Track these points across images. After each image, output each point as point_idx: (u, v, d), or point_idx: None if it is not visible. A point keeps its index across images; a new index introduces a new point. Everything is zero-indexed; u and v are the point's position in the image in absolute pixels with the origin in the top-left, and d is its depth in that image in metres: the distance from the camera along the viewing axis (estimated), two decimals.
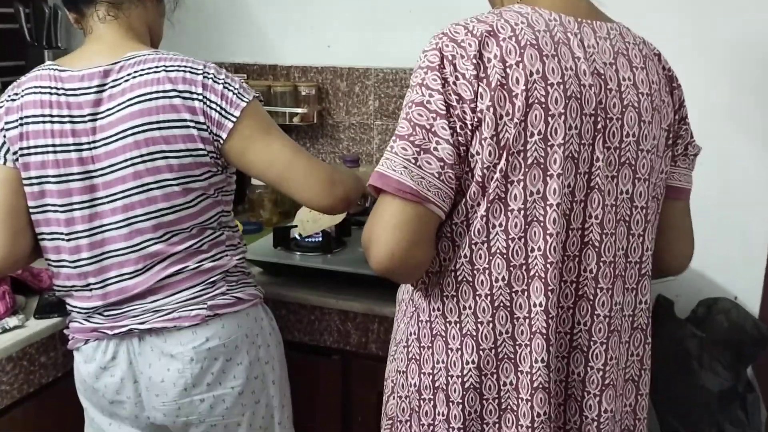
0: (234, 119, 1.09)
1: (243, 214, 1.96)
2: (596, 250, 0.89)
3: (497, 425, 0.92)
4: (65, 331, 1.25)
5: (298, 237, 1.59)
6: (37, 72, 1.15)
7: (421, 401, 0.96)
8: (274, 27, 2.02)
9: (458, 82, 0.83)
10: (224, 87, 1.09)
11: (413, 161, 0.83)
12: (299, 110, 1.93)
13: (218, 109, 1.08)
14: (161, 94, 1.07)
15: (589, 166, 0.88)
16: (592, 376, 0.93)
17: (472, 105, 0.83)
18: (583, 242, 0.89)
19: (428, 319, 0.94)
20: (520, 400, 0.90)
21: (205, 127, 1.09)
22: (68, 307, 1.21)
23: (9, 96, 1.15)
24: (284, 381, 1.29)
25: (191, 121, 1.08)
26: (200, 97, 1.08)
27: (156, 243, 1.13)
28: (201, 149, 1.10)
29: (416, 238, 0.85)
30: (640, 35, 0.98)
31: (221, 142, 1.10)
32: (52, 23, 2.03)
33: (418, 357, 0.96)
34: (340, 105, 1.99)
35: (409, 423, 0.98)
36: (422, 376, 0.95)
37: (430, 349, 0.94)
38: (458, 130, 0.84)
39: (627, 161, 0.91)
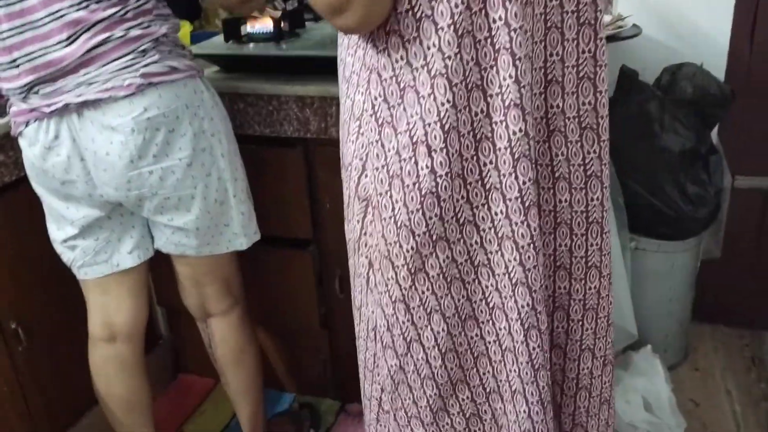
0: None
1: (199, 29, 1.89)
2: None
3: (477, 149, 0.90)
4: (5, 119, 1.24)
5: (249, 30, 1.54)
6: None
7: (402, 162, 0.90)
8: None
9: None
10: None
11: None
12: None
13: None
14: None
15: None
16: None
17: None
18: None
19: (393, 74, 0.89)
20: (494, 125, 0.88)
21: None
22: (3, 91, 1.19)
23: None
24: (234, 155, 1.29)
25: None
26: None
27: (75, 10, 1.08)
28: None
29: None
30: None
31: None
32: None
33: (390, 119, 0.90)
34: None
35: (389, 193, 0.93)
36: (399, 135, 0.90)
37: (401, 105, 0.89)
38: None
39: None
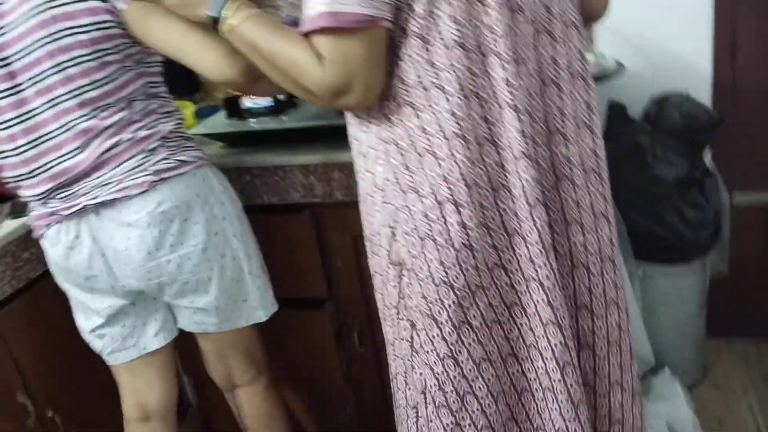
0: None
1: (200, 101, 1.97)
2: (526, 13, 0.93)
3: (496, 198, 0.96)
4: (28, 223, 1.30)
5: (249, 105, 1.62)
6: None
7: (431, 224, 0.95)
8: None
9: None
10: None
11: None
12: None
13: None
14: None
15: None
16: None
17: None
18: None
19: (410, 142, 0.94)
20: (508, 174, 0.95)
21: None
22: (22, 199, 1.26)
23: None
24: (246, 234, 1.34)
25: None
26: None
27: (85, 120, 1.15)
28: (108, 20, 1.11)
29: (381, 60, 0.88)
30: None
31: (118, 10, 1.11)
32: None
33: (412, 184, 0.95)
34: None
35: (422, 254, 0.97)
36: (423, 199, 0.95)
37: (422, 170, 0.94)
38: None
39: None
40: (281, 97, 1.62)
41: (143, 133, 1.19)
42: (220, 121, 1.62)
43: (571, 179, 1.02)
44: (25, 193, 1.24)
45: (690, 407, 1.66)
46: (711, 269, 1.89)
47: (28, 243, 1.39)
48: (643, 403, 1.65)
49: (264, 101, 1.60)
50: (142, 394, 1.40)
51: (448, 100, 0.91)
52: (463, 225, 0.95)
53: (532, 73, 0.95)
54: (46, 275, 1.39)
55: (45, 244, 1.28)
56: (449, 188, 0.94)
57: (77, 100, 1.14)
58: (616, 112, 1.74)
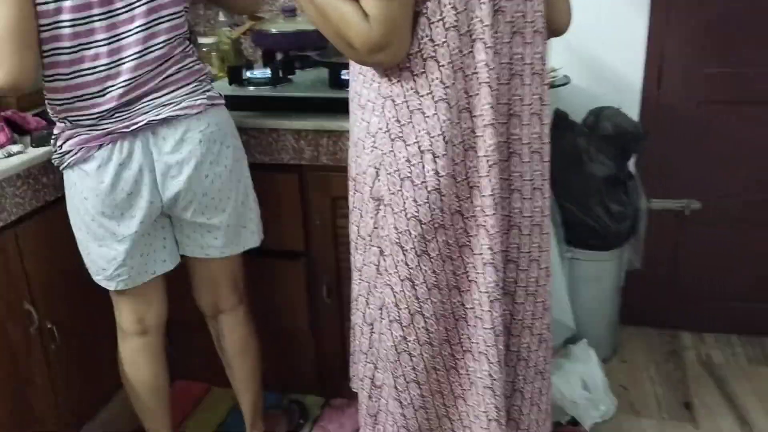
0: None
1: None
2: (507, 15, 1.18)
3: (465, 157, 1.18)
4: (65, 147, 1.42)
5: (250, 75, 1.84)
6: None
7: (411, 167, 1.16)
8: None
9: None
10: None
11: None
12: None
13: None
14: None
15: None
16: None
17: None
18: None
19: (404, 100, 1.16)
20: (477, 138, 1.18)
21: None
22: (69, 122, 1.40)
23: None
24: (249, 169, 1.60)
25: None
26: None
27: (165, 45, 1.37)
28: None
29: (411, 26, 1.11)
30: None
31: None
32: None
33: (401, 134, 1.16)
34: None
35: (400, 192, 1.18)
36: (408, 147, 1.16)
37: (410, 124, 1.15)
38: None
39: None
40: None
41: (196, 66, 1.45)
42: (224, 86, 1.84)
43: (520, 155, 1.27)
44: (81, 112, 1.37)
45: (602, 371, 1.96)
46: (628, 264, 2.21)
47: (48, 169, 1.56)
48: (558, 363, 1.94)
49: (263, 73, 1.83)
50: (143, 311, 1.58)
51: (440, 70, 1.15)
52: (437, 173, 1.18)
53: (503, 64, 1.21)
54: (61, 201, 1.56)
55: (80, 174, 1.41)
56: (430, 141, 1.17)
57: (167, 24, 1.37)
58: (560, 118, 2.05)
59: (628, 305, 2.29)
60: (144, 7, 1.35)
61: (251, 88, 1.83)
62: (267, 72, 1.84)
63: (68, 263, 1.60)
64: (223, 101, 1.50)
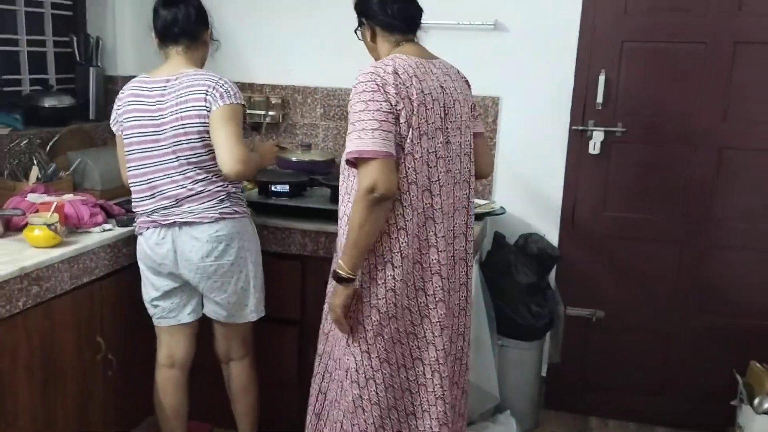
0: (218, 106, 1.97)
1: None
2: (448, 165, 1.83)
3: (422, 261, 1.79)
4: (134, 224, 2.13)
5: (273, 189, 2.54)
6: (136, 78, 2.08)
7: (378, 272, 1.74)
8: (254, 57, 2.99)
9: (389, 96, 1.69)
10: (225, 91, 1.99)
11: (378, 136, 1.63)
12: (270, 113, 2.91)
13: (216, 98, 1.97)
14: (196, 90, 1.99)
15: (446, 132, 1.81)
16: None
17: (397, 107, 1.70)
18: (446, 166, 1.82)
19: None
20: (423, 255, 1.81)
21: (207, 106, 1.99)
22: (138, 211, 2.07)
23: (122, 91, 2.08)
24: (258, 264, 2.18)
25: (204, 107, 1.99)
26: (211, 93, 1.97)
27: (192, 171, 2.02)
28: (204, 122, 2.00)
29: (393, 172, 1.66)
30: (449, 62, 1.96)
31: (210, 111, 1.98)
32: (94, 49, 2.92)
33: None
34: (297, 111, 2.98)
35: (370, 288, 1.76)
36: (377, 257, 1.74)
37: (379, 242, 1.72)
38: (392, 120, 1.70)
39: (459, 126, 1.86)
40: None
41: (217, 188, 2.04)
42: (254, 195, 2.54)
43: (459, 236, 1.88)
44: (142, 207, 2.06)
45: None
46: (549, 358, 2.83)
47: (128, 242, 2.22)
48: (483, 426, 2.50)
49: (284, 188, 2.54)
50: (173, 348, 2.19)
51: (410, 194, 1.76)
52: (394, 278, 1.75)
53: (452, 181, 1.82)
54: (133, 266, 2.21)
55: (141, 239, 2.09)
56: (392, 255, 1.75)
57: (194, 159, 2.01)
58: (498, 239, 2.75)
59: (549, 392, 2.88)
60: (178, 146, 1.99)
61: (273, 198, 2.52)
62: (286, 187, 2.54)
63: (132, 311, 2.23)
64: (235, 214, 2.04)
